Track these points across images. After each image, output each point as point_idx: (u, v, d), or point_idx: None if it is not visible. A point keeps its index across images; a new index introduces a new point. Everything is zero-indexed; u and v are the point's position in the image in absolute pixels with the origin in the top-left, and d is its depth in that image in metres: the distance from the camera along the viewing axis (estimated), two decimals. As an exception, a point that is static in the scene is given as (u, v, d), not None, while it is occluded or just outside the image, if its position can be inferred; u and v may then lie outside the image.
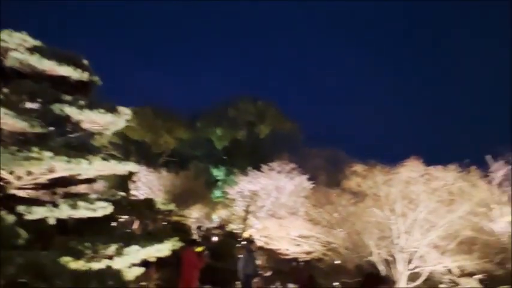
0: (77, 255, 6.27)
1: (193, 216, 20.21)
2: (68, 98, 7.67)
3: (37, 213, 6.55)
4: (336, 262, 13.08)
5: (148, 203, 8.57)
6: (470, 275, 10.15)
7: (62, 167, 6.53)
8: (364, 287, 5.15)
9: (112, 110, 7.59)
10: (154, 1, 74.49)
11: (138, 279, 7.98)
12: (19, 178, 6.72)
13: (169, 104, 30.77)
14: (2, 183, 6.88)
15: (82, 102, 7.49)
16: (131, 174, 14.36)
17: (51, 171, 6.64)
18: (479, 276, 10.90)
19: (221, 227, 22.15)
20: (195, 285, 9.30)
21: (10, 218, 6.18)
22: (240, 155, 28.52)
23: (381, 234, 10.37)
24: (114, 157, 8.33)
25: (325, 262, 12.86)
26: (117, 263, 6.53)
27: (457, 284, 9.83)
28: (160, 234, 8.29)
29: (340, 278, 12.61)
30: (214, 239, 20.63)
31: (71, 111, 7.30)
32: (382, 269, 10.07)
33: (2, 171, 6.46)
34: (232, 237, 20.29)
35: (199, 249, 10.27)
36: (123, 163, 7.57)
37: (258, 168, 21.84)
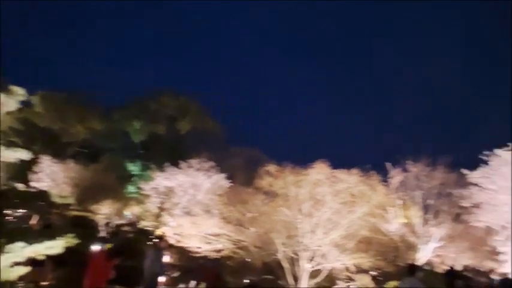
0: None
1: (103, 211, 19.02)
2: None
3: None
4: (245, 260, 13.26)
5: (43, 195, 7.76)
6: (365, 271, 10.92)
7: None
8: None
9: (2, 89, 6.75)
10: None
11: (26, 278, 7.19)
12: None
13: (87, 92, 28.57)
14: None
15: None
16: (30, 163, 13.01)
17: None
18: (373, 272, 11.83)
19: (132, 223, 21.17)
20: (103, 285, 8.66)
21: None
22: (158, 150, 27.60)
23: (288, 233, 10.71)
24: (11, 144, 7.44)
25: (234, 260, 12.96)
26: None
27: (353, 280, 10.50)
28: (54, 230, 7.56)
29: (248, 275, 12.79)
30: (124, 236, 19.64)
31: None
32: (286, 266, 10.38)
33: None
34: (144, 234, 19.51)
35: (108, 246, 9.62)
36: (12, 149, 6.75)
37: (176, 164, 21.28)
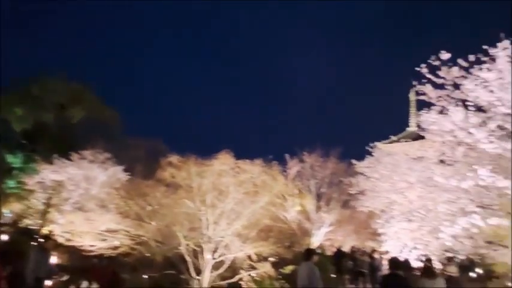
0: None
1: (-26, 211, 16.28)
2: None
3: None
4: (145, 255, 12.55)
5: None
6: (266, 259, 11.14)
7: None
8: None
9: None
10: None
11: None
12: None
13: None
14: None
15: None
16: None
17: None
18: (272, 259, 12.16)
19: (13, 223, 18.55)
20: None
21: None
22: (45, 140, 24.54)
23: (191, 225, 10.36)
24: None
25: (133, 256, 12.17)
26: None
27: (255, 268, 10.63)
28: None
29: (148, 272, 12.14)
30: (3, 237, 17.08)
31: None
32: (189, 259, 10.04)
33: None
34: (27, 234, 17.20)
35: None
36: None
37: (66, 156, 19.16)
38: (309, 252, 8.29)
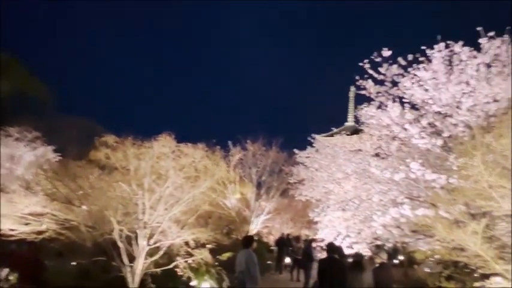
0: None
1: None
2: None
3: None
4: (74, 241, 11.56)
5: None
6: (204, 245, 10.76)
7: None
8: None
9: None
10: None
11: None
12: None
13: None
14: None
15: None
16: None
17: None
18: (210, 246, 11.83)
19: None
20: None
21: None
22: (-37, 114, 21.78)
23: (126, 210, 9.65)
24: None
25: (60, 242, 11.12)
26: None
27: (192, 255, 10.20)
28: None
29: (76, 258, 11.18)
30: None
31: None
32: (121, 246, 9.34)
33: None
34: None
35: None
36: None
37: (-11, 132, 17.15)
38: (248, 240, 8.17)
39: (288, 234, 18.53)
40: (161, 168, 9.67)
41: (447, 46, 9.90)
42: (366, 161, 11.86)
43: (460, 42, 9.86)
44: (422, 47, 10.14)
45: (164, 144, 9.72)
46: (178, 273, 10.09)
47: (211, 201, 11.35)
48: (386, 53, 10.66)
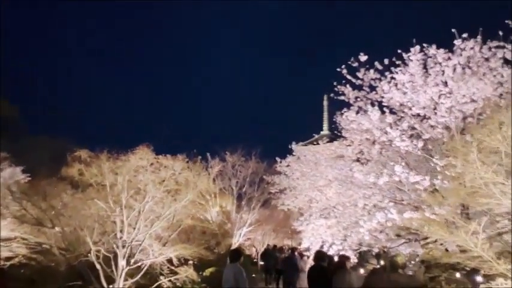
0: None
1: None
2: None
3: None
4: (48, 265, 10.58)
5: None
6: (187, 261, 10.05)
7: None
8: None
9: None
10: None
11: None
12: None
13: None
14: None
15: None
16: None
17: None
18: (191, 261, 11.12)
19: None
20: None
21: None
22: None
23: (103, 229, 8.85)
24: None
25: (31, 267, 10.14)
26: None
27: (176, 273, 9.47)
28: None
29: (49, 284, 10.19)
30: None
31: None
32: (99, 268, 8.52)
33: None
34: None
35: None
36: None
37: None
38: (236, 253, 7.60)
39: (275, 246, 17.98)
40: (139, 183, 8.96)
41: (422, 49, 9.86)
42: (348, 166, 11.59)
43: (434, 45, 9.85)
44: (399, 51, 10.10)
45: (142, 156, 9.02)
46: (162, 293, 9.34)
47: (193, 215, 10.67)
48: (363, 57, 10.53)
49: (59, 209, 8.82)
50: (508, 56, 9.15)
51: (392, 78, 10.33)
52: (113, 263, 8.70)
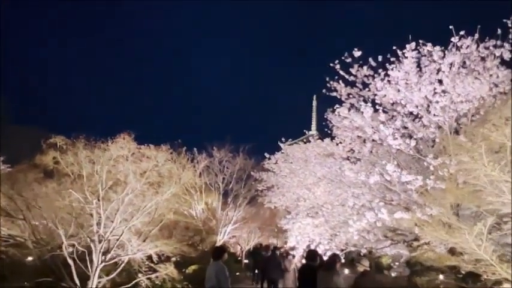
0: None
1: None
2: None
3: None
4: (20, 260, 9.80)
5: None
6: (168, 259, 9.42)
7: None
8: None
9: None
10: None
11: None
12: None
13: None
14: None
15: None
16: None
17: None
18: (175, 259, 10.50)
19: None
20: None
21: None
22: None
23: (78, 221, 8.15)
24: None
25: (1, 261, 9.35)
26: None
27: (156, 271, 8.82)
28: None
29: (20, 280, 9.41)
30: None
31: None
32: (71, 263, 7.82)
33: None
34: None
35: None
36: None
37: None
38: (219, 251, 7.12)
39: (261, 244, 17.46)
40: (119, 173, 8.29)
41: (417, 46, 9.49)
42: (337, 164, 11.14)
43: (430, 43, 9.49)
44: (394, 47, 9.71)
45: (123, 145, 8.34)
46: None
47: (176, 209, 10.02)
48: (357, 53, 10.09)
49: (31, 199, 8.07)
50: (506, 56, 8.84)
51: (386, 75, 9.94)
52: (87, 258, 8.00)
